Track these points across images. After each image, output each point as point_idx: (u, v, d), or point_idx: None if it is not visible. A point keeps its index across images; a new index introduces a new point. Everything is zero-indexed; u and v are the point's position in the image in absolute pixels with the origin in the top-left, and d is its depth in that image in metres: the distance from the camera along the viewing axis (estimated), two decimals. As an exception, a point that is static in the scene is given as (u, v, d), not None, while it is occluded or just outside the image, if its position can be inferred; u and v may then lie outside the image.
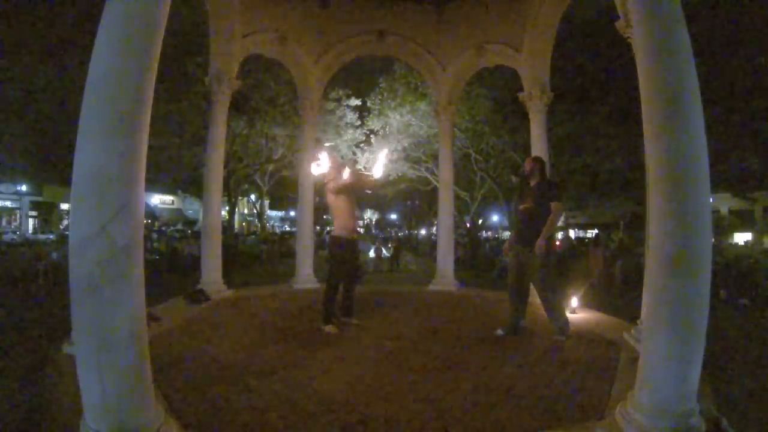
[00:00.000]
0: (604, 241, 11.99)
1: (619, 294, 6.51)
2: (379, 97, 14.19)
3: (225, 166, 8.61)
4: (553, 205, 3.95)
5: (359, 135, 15.21)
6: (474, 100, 13.18)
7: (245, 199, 29.55)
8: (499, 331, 4.12)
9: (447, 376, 3.01)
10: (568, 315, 4.97)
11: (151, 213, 29.70)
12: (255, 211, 21.80)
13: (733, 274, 7.79)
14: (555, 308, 4.03)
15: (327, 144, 3.99)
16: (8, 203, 27.14)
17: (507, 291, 4.27)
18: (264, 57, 7.77)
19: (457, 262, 7.63)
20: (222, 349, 3.60)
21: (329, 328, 4.19)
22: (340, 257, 4.29)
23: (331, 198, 4.39)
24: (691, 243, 2.06)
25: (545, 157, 6.05)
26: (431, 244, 17.52)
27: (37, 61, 10.99)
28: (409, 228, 38.48)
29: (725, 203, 24.67)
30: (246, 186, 20.08)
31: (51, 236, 22.40)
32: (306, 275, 7.06)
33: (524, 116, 6.66)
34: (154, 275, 7.86)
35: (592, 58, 12.23)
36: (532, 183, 4.20)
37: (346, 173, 4.32)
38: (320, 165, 4.36)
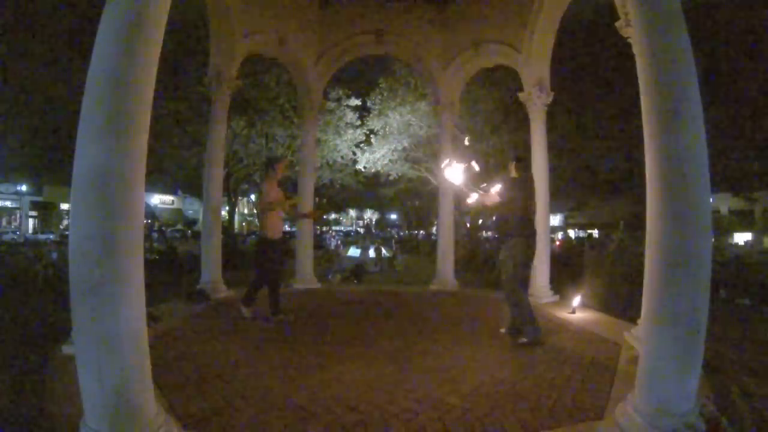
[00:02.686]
0: (602, 241, 11.99)
1: (619, 294, 6.51)
2: (379, 97, 14.18)
3: (225, 166, 8.61)
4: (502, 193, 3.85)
5: (359, 135, 15.21)
6: (474, 100, 13.18)
7: (245, 199, 29.54)
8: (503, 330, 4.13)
9: (447, 376, 3.01)
10: (567, 315, 4.99)
11: (151, 213, 29.71)
12: (255, 211, 21.79)
13: (733, 274, 7.77)
14: (520, 308, 3.88)
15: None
16: (8, 203, 27.16)
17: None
18: (264, 57, 7.77)
19: (457, 262, 7.62)
20: (222, 348, 3.60)
21: (246, 312, 4.63)
22: (270, 256, 4.60)
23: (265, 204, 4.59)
24: (690, 243, 2.06)
25: (544, 157, 6.08)
26: (431, 244, 17.52)
27: (38, 61, 10.99)
28: (409, 228, 38.48)
29: (725, 203, 24.70)
30: (246, 186, 20.07)
31: (51, 236, 22.38)
32: (306, 275, 7.07)
33: (524, 116, 6.66)
34: (154, 275, 7.86)
35: (592, 58, 12.23)
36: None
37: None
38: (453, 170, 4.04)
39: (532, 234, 4.01)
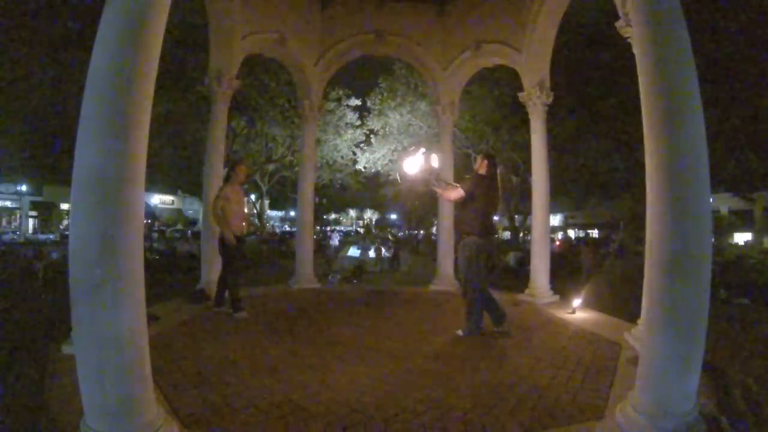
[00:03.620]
0: (602, 240, 12.01)
1: (619, 293, 6.51)
2: (379, 97, 14.20)
3: (225, 166, 8.61)
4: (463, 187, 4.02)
5: (359, 135, 15.23)
6: (474, 100, 13.19)
7: (245, 199, 29.56)
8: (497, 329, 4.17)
9: (447, 376, 3.01)
10: (566, 315, 5.00)
11: (151, 213, 29.68)
12: (255, 211, 21.86)
13: (733, 274, 7.77)
14: (474, 308, 4.01)
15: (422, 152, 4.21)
16: (8, 203, 27.17)
17: (490, 291, 4.24)
18: (264, 57, 7.77)
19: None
20: (222, 348, 3.60)
21: (241, 315, 4.66)
22: (233, 252, 4.77)
23: (224, 202, 4.73)
24: (690, 243, 2.06)
25: (545, 157, 6.08)
26: (431, 244, 17.52)
27: (37, 60, 10.99)
28: (409, 228, 38.46)
29: (725, 203, 24.69)
30: (246, 186, 20.10)
31: (51, 236, 22.36)
32: (306, 275, 7.06)
33: (524, 116, 6.66)
34: (154, 275, 7.87)
35: (592, 57, 12.23)
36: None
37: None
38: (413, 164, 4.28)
39: (489, 233, 4.03)
